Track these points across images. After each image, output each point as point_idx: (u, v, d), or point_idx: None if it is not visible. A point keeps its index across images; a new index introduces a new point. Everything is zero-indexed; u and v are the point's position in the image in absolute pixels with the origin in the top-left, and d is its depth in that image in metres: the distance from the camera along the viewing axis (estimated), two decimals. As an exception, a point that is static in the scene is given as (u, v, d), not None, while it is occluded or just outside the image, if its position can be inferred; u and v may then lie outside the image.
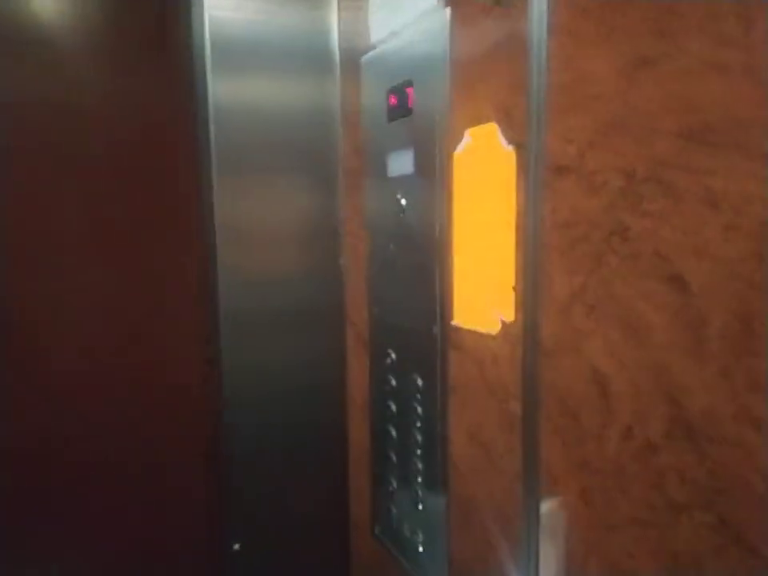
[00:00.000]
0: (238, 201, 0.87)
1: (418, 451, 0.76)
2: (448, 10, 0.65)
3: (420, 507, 0.77)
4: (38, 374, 0.87)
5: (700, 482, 0.45)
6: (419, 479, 0.77)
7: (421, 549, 0.78)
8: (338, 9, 0.90)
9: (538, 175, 0.54)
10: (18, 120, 0.82)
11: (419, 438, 0.76)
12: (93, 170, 0.87)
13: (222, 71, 0.84)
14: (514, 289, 0.59)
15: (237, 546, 0.92)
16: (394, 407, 0.81)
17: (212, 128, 0.84)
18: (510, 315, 0.60)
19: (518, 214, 0.57)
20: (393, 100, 0.74)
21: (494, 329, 0.62)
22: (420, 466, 0.77)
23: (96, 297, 0.89)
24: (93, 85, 0.86)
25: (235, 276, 0.87)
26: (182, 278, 0.94)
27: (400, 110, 0.73)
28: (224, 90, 0.84)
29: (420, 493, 0.77)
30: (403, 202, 0.74)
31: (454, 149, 0.65)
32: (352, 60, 0.86)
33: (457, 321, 0.68)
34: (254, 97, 0.87)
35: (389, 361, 0.81)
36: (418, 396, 0.75)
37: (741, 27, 0.39)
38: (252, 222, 0.88)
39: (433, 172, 0.68)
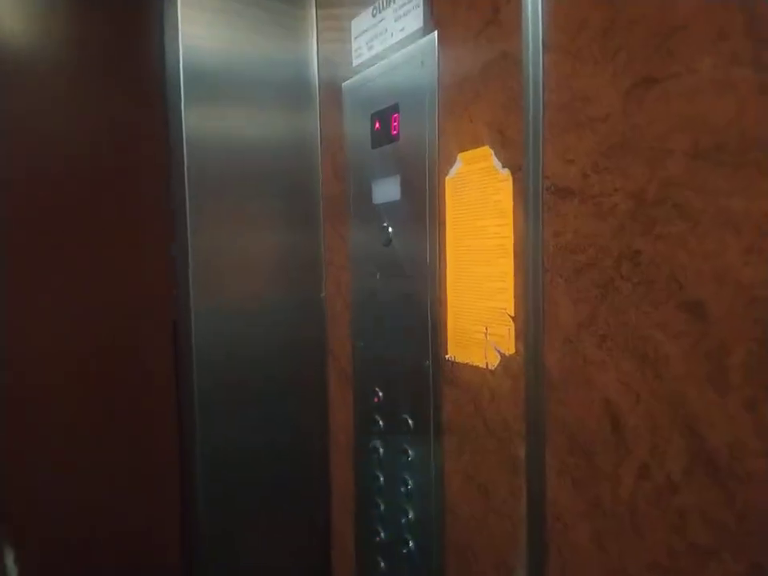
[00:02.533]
0: (213, 231, 0.82)
1: (410, 497, 0.71)
2: (435, 33, 0.63)
3: (412, 558, 0.72)
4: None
5: (727, 524, 0.41)
6: (411, 528, 0.72)
7: (413, 603, 0.72)
8: (317, 34, 0.88)
9: (537, 198, 0.52)
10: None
11: (410, 482, 0.71)
12: (59, 201, 0.82)
13: (195, 100, 0.81)
14: (514, 318, 0.56)
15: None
16: (381, 449, 0.76)
17: (185, 157, 0.80)
18: (509, 347, 0.56)
19: (516, 238, 0.55)
20: (377, 125, 0.72)
21: (492, 362, 0.59)
22: (411, 512, 0.71)
23: (65, 329, 0.83)
24: (63, 110, 0.82)
25: (210, 309, 0.82)
26: (154, 313, 0.89)
27: (385, 136, 0.70)
28: (198, 119, 0.81)
29: (411, 542, 0.72)
30: (390, 229, 0.71)
31: (445, 173, 0.62)
32: (333, 85, 0.84)
33: (451, 354, 0.64)
34: (229, 125, 0.84)
35: (375, 399, 0.77)
36: (409, 437, 0.71)
37: (752, 45, 0.38)
38: (228, 253, 0.84)
39: (422, 198, 0.65)
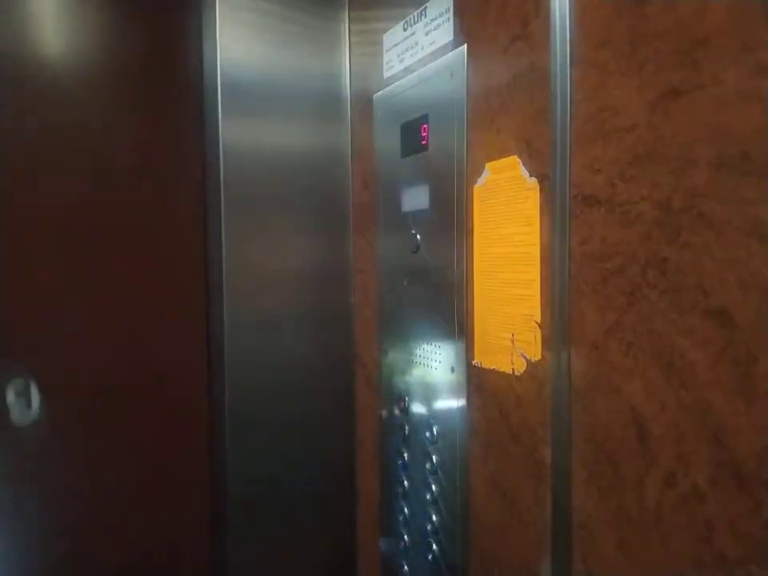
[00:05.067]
0: (246, 241, 0.85)
1: (435, 503, 0.72)
2: (465, 46, 0.64)
3: (436, 564, 0.72)
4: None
5: (756, 534, 0.41)
6: (435, 533, 0.72)
7: (437, 609, 0.73)
8: (350, 48, 0.90)
9: (565, 206, 0.52)
10: (23, 144, 0.80)
11: (435, 488, 0.72)
12: (92, 208, 0.85)
13: (232, 112, 0.84)
14: (540, 325, 0.56)
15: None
16: (406, 455, 0.77)
17: (222, 169, 0.83)
18: (535, 354, 0.57)
19: (543, 246, 0.55)
20: (407, 135, 0.73)
21: (518, 368, 0.59)
22: (436, 519, 0.72)
23: (101, 342, 0.85)
24: (100, 121, 0.85)
25: (242, 317, 0.85)
26: (188, 317, 0.91)
27: (414, 146, 0.72)
28: (234, 131, 0.84)
29: (436, 548, 0.72)
30: (418, 237, 0.72)
31: (473, 182, 0.64)
32: (364, 97, 0.86)
33: (477, 360, 0.65)
34: (263, 137, 0.87)
35: (401, 404, 0.77)
36: (434, 443, 0.71)
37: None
38: (260, 262, 0.86)
39: (450, 206, 0.66)
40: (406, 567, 0.79)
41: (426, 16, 0.71)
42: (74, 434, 0.83)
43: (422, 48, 0.71)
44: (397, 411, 0.79)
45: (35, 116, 0.81)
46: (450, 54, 0.67)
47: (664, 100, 0.45)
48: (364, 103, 0.86)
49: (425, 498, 0.73)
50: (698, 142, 0.43)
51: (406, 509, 0.78)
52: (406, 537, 0.78)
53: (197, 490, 0.92)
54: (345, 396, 0.93)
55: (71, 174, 0.83)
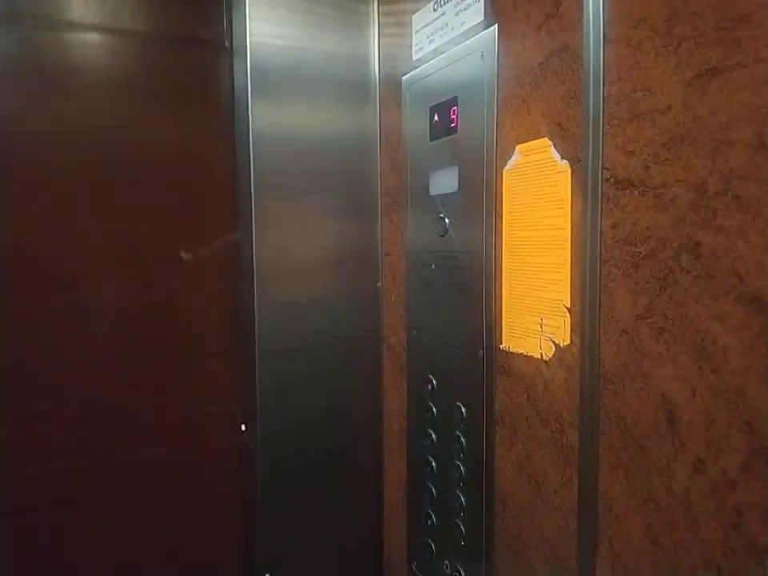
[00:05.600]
0: (275, 225, 0.86)
1: (461, 484, 0.73)
2: (495, 26, 0.63)
3: (462, 543, 0.73)
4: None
5: (787, 523, 0.40)
6: (462, 514, 0.73)
7: (462, 588, 0.74)
8: (379, 29, 0.90)
9: (597, 189, 0.52)
10: (62, 144, 0.83)
11: (462, 470, 0.72)
12: (129, 192, 0.87)
13: (262, 96, 0.84)
14: (569, 310, 0.56)
15: (268, 576, 0.88)
16: (434, 436, 0.78)
17: (251, 152, 0.84)
18: (564, 338, 0.57)
19: (574, 230, 0.55)
20: (436, 118, 0.73)
21: (547, 353, 0.59)
22: (463, 499, 0.73)
23: (129, 324, 0.88)
24: (129, 108, 0.87)
25: (272, 299, 0.86)
26: (218, 302, 0.93)
27: (444, 128, 0.71)
28: (264, 115, 0.84)
29: (463, 528, 0.73)
30: (446, 220, 0.72)
31: (503, 165, 0.63)
32: (392, 80, 0.85)
33: (505, 344, 0.65)
34: (292, 121, 0.87)
35: (429, 387, 0.78)
36: (462, 425, 0.72)
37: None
38: (289, 247, 0.87)
39: (479, 189, 0.66)
40: (432, 547, 0.80)
41: (456, -4, 0.70)
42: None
43: (452, 29, 0.71)
44: (424, 394, 0.79)
45: (72, 104, 0.83)
46: (481, 34, 0.66)
47: (701, 79, 0.43)
48: (393, 86, 0.85)
49: (452, 479, 0.74)
50: (736, 123, 0.41)
51: (433, 489, 0.79)
52: (433, 517, 0.79)
53: (227, 473, 0.95)
54: (372, 378, 0.94)
55: (102, 162, 0.85)
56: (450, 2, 0.71)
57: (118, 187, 0.86)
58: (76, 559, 0.86)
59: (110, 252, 0.86)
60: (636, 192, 0.49)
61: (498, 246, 0.65)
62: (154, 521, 0.90)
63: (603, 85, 0.51)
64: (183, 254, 0.90)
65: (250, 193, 0.84)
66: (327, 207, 0.89)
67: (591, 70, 0.52)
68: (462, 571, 0.74)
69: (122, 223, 0.87)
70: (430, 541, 0.80)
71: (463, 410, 0.71)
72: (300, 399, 0.89)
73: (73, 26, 0.82)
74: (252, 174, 0.84)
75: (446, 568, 0.77)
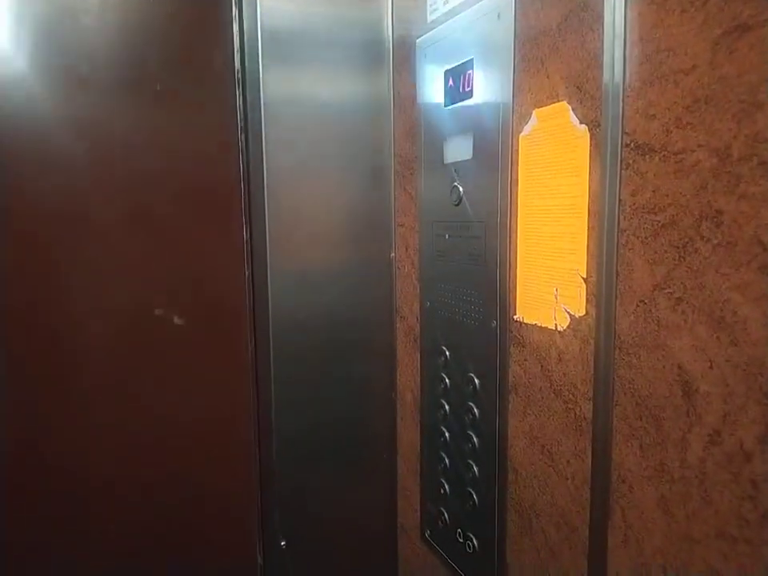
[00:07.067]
0: (288, 194, 0.85)
1: (474, 454, 0.73)
2: (513, -16, 0.61)
3: (474, 512, 0.74)
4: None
5: (804, 496, 0.40)
6: (475, 483, 0.73)
7: (474, 554, 0.75)
8: (392, -10, 0.87)
9: (616, 155, 0.50)
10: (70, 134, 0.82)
11: (475, 439, 0.72)
12: (135, 160, 0.86)
13: (273, 62, 0.83)
14: (585, 280, 0.55)
15: (284, 543, 0.90)
16: (447, 407, 0.78)
17: (263, 120, 0.82)
18: (579, 309, 0.56)
19: (592, 197, 0.53)
20: (451, 82, 0.71)
21: (561, 324, 0.58)
22: (476, 469, 0.73)
23: (142, 307, 0.88)
24: (137, 72, 0.85)
25: (284, 269, 0.86)
26: (230, 271, 0.93)
27: (459, 93, 0.69)
28: (275, 82, 0.83)
29: (475, 497, 0.73)
30: (461, 189, 0.70)
31: (519, 131, 0.61)
32: (406, 43, 0.83)
33: (519, 315, 0.64)
34: (304, 87, 0.85)
35: (442, 358, 0.78)
36: (475, 395, 0.72)
37: None
38: (301, 215, 0.86)
39: (495, 156, 0.64)
40: (445, 515, 0.81)
41: (472, -47, 0.67)
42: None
43: (468, -12, 0.68)
44: (437, 365, 0.79)
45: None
46: (498, -7, 0.63)
47: (729, 37, 0.41)
48: (406, 49, 0.83)
49: (464, 449, 0.74)
50: (764, 83, 0.39)
51: (446, 459, 0.79)
52: (446, 486, 0.80)
53: (244, 442, 0.96)
54: (385, 349, 0.94)
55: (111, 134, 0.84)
56: (465, -40, 0.68)
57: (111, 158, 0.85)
58: (86, 517, 0.88)
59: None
60: (657, 158, 0.47)
61: (512, 215, 0.63)
62: (167, 486, 0.92)
63: (625, 45, 0.49)
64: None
65: (262, 162, 0.83)
66: (339, 175, 0.88)
67: (613, 29, 0.50)
68: (474, 539, 0.74)
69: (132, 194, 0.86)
70: (442, 509, 0.81)
71: (476, 380, 0.71)
72: (313, 371, 0.89)
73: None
74: (264, 142, 0.83)
75: (459, 536, 0.77)
